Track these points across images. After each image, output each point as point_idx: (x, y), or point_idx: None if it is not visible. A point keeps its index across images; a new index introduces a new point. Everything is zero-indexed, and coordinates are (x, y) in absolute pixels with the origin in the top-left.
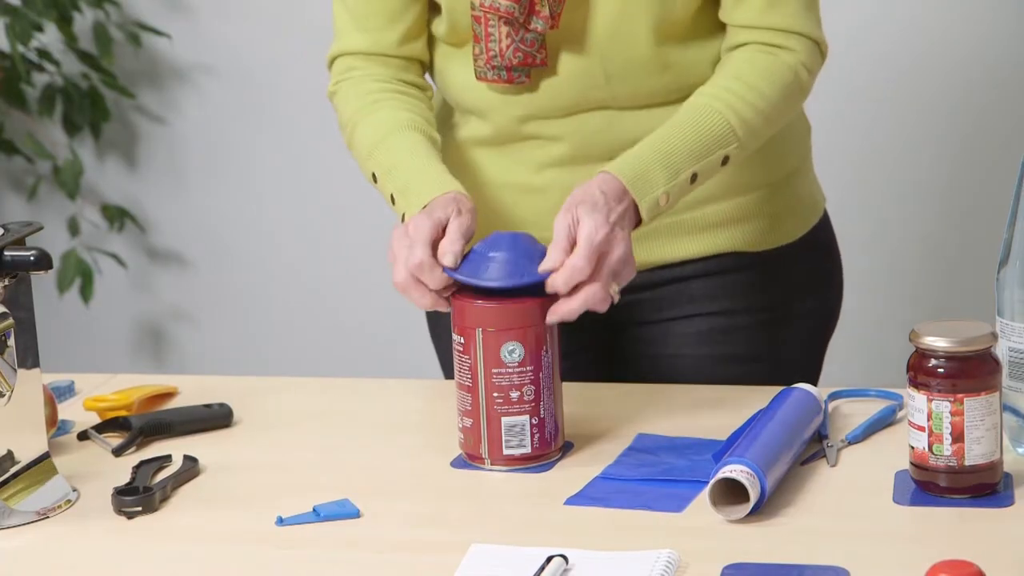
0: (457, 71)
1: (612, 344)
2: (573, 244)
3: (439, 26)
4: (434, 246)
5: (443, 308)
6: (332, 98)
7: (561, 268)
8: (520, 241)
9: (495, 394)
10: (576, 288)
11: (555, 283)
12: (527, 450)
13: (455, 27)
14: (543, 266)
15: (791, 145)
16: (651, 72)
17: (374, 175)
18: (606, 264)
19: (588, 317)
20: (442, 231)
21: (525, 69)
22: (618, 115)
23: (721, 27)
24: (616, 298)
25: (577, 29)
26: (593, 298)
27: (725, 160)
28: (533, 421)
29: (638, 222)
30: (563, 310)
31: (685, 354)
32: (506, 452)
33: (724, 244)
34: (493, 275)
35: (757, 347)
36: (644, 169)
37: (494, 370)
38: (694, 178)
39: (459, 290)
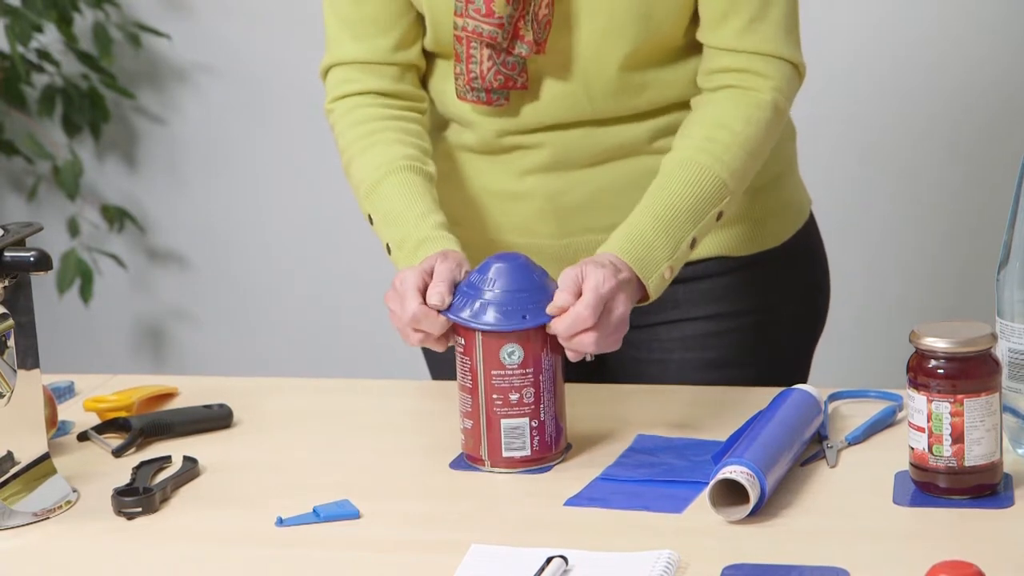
0: (441, 81)
1: None
2: (579, 294)
3: (427, 37)
4: (424, 294)
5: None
6: (328, 116)
7: (565, 315)
8: (517, 270)
9: (494, 396)
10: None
11: (556, 328)
12: (527, 453)
13: (439, 41)
14: (550, 308)
15: (776, 149)
16: (632, 92)
17: (370, 217)
18: (608, 319)
19: None
20: (430, 276)
21: (505, 92)
22: (600, 128)
23: (700, 45)
24: (589, 357)
25: (561, 53)
26: (582, 345)
27: (719, 216)
28: (533, 424)
29: (643, 297)
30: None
31: (671, 359)
32: (505, 454)
33: (709, 249)
34: (490, 319)
35: (743, 352)
36: (647, 247)
37: (494, 372)
38: (693, 243)
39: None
